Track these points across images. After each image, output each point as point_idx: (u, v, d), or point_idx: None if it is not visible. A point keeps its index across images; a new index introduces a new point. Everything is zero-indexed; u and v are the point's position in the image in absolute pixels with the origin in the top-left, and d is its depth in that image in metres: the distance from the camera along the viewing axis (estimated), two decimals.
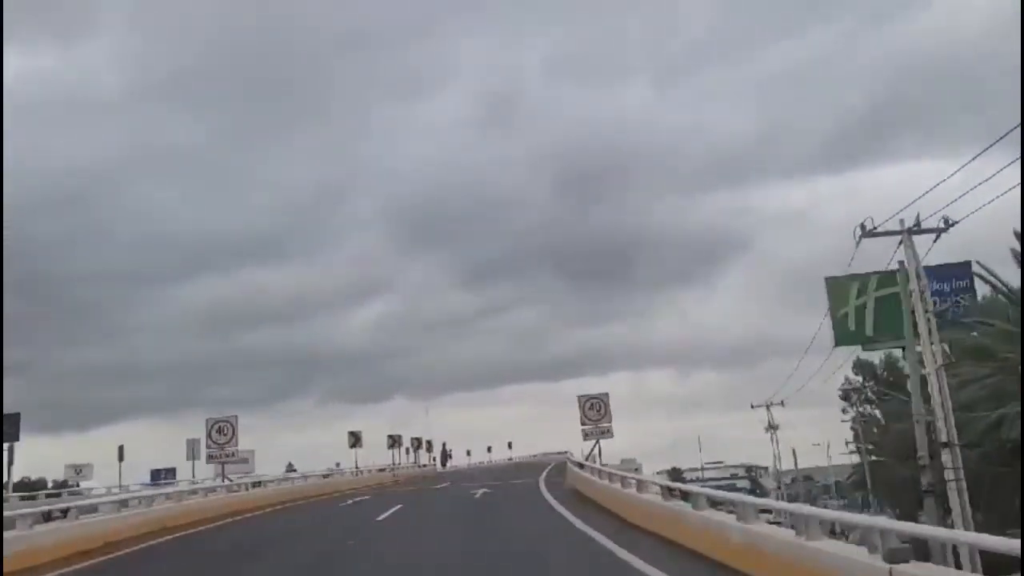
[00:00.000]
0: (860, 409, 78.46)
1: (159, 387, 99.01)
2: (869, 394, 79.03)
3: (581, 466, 21.35)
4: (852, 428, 78.22)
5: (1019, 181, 13.36)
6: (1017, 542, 4.45)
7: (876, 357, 77.76)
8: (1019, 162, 13.33)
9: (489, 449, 78.60)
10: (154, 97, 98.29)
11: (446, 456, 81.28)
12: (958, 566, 13.26)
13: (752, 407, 56.83)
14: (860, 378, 79.78)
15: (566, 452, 39.22)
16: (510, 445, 77.01)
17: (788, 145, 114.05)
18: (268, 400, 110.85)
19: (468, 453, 79.15)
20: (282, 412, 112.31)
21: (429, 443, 57.51)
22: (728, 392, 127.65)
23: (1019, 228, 22.67)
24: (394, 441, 42.63)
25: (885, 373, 77.47)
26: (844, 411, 79.36)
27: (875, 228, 19.13)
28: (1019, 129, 11.38)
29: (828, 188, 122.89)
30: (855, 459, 68.82)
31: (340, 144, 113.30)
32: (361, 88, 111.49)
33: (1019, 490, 16.78)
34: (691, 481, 54.70)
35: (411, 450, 54.49)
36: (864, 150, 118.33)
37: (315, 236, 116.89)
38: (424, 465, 50.90)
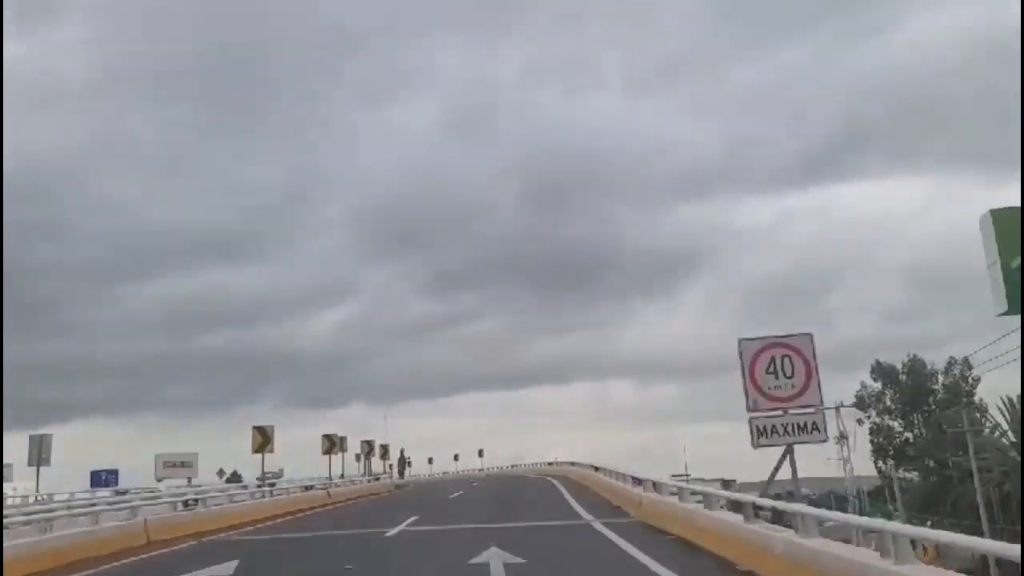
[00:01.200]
0: (876, 420, 67.08)
1: (115, 386, 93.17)
2: (888, 402, 67.71)
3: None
4: (872, 440, 67.10)
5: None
6: None
7: (899, 361, 66.97)
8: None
9: (456, 457, 66.15)
10: (119, 90, 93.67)
11: (404, 464, 70.06)
12: None
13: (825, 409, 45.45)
14: (879, 384, 68.45)
15: (576, 464, 25.89)
16: (481, 453, 64.42)
17: (756, 161, 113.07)
18: (226, 403, 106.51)
19: (430, 461, 67.41)
20: (240, 415, 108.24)
21: (384, 448, 43.50)
22: (690, 404, 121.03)
23: None
24: (332, 444, 28.62)
25: (907, 379, 66.33)
26: (860, 421, 68.25)
27: None
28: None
29: (794, 205, 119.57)
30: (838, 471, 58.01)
31: (309, 146, 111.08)
32: (333, 90, 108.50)
33: None
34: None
35: (361, 456, 40.77)
36: (831, 168, 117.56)
37: (280, 238, 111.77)
38: (377, 477, 36.93)
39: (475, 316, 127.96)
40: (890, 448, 63.85)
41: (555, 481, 30.37)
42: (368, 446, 36.02)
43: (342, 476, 33.07)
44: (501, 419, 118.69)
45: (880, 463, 65.04)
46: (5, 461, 24.80)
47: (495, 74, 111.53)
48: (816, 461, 62.41)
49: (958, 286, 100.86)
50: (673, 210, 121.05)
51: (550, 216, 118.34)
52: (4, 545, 9.51)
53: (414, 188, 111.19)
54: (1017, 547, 4.14)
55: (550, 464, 43.30)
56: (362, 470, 37.66)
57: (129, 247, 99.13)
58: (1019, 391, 35.41)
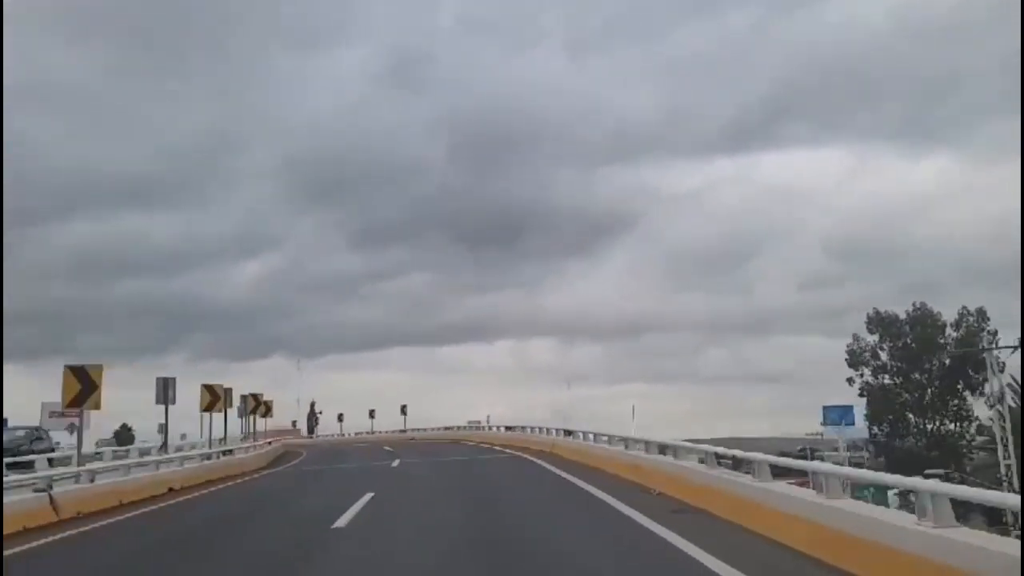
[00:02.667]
0: (869, 380, 56.68)
1: (22, 333, 77.36)
2: (885, 358, 57.25)
3: None
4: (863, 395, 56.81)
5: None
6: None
7: (902, 310, 55.98)
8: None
9: (372, 414, 51.20)
10: (34, 23, 78.10)
11: (314, 420, 58.74)
12: None
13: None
14: (875, 337, 58.10)
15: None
16: (404, 410, 49.68)
17: (688, 126, 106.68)
18: (137, 353, 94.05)
19: (340, 418, 53.16)
20: (154, 366, 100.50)
21: (260, 402, 27.76)
22: (611, 365, 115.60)
23: None
24: (84, 394, 12.79)
25: (912, 331, 55.75)
26: (850, 380, 58.04)
27: None
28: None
29: (722, 171, 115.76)
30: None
31: (236, 91, 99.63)
32: (262, 33, 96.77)
33: None
34: None
35: (243, 417, 25.74)
36: (760, 135, 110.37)
37: (203, 184, 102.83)
38: (228, 450, 21.27)
39: (403, 272, 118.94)
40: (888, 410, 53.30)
41: (526, 458, 15.75)
42: (210, 394, 20.10)
43: (177, 447, 17.67)
44: (423, 375, 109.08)
45: (875, 428, 54.26)
46: None
47: (431, 25, 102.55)
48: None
49: (876, 256, 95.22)
50: (605, 172, 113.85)
51: (481, 173, 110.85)
52: None
53: (343, 138, 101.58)
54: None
55: (508, 429, 28.80)
56: (202, 434, 22.12)
57: (42, 188, 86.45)
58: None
